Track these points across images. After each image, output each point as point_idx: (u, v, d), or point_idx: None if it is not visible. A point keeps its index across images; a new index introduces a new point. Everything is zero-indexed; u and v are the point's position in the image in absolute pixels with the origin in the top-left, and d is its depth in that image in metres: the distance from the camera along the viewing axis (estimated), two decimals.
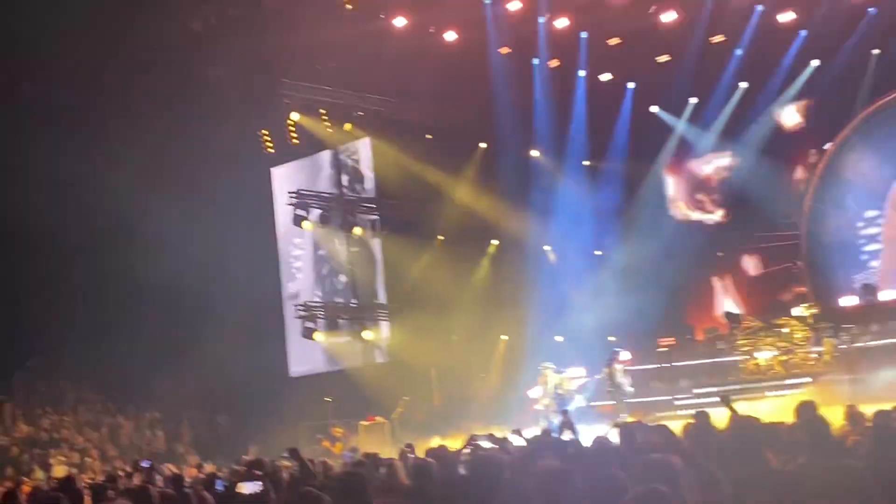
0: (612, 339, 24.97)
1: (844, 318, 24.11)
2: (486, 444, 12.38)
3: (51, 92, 26.78)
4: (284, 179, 30.95)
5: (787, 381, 22.02)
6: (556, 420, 18.57)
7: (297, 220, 28.32)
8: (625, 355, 22.22)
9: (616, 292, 26.30)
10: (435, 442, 15.06)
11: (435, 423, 25.09)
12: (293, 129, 29.03)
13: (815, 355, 22.28)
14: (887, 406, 11.74)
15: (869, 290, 24.46)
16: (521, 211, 28.00)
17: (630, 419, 17.72)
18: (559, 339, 25.31)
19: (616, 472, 6.29)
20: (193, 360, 27.16)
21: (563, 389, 22.23)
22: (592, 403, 22.92)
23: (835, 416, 11.55)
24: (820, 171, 26.23)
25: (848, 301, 24.79)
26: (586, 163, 28.90)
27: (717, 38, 25.54)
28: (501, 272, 27.59)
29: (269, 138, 29.35)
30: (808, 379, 21.72)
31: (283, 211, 29.87)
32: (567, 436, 12.06)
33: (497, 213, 28.17)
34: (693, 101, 27.55)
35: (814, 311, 23.15)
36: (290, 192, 29.35)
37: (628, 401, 21.75)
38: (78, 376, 29.64)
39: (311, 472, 11.37)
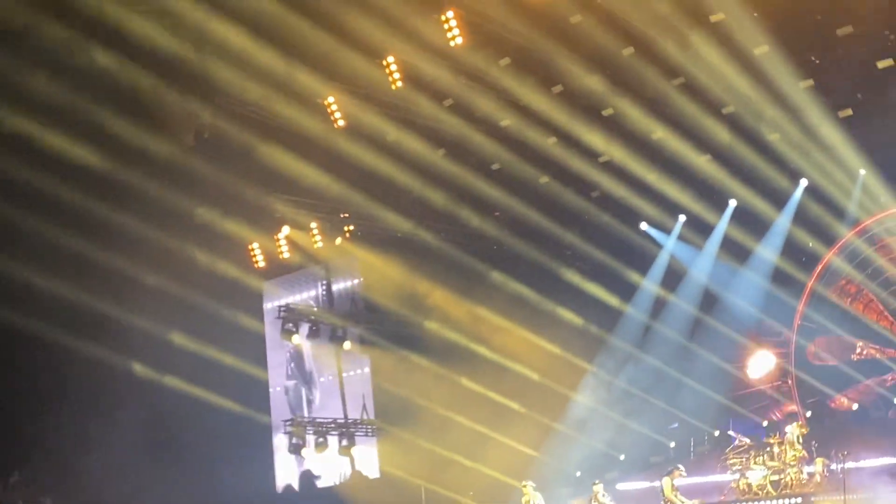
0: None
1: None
2: None
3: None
4: (274, 293, 30.85)
5: (779, 502, 21.62)
6: None
7: (286, 335, 27.99)
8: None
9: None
10: None
11: None
12: (283, 243, 29.03)
13: (807, 476, 22.04)
14: None
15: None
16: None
17: None
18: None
19: None
20: (178, 473, 26.65)
21: None
22: None
23: None
24: (809, 288, 26.71)
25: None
26: None
27: None
28: (498, 389, 27.20)
29: (258, 253, 29.34)
30: (799, 500, 21.37)
31: (272, 324, 29.68)
32: None
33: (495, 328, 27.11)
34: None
35: (804, 430, 23.06)
36: (279, 306, 29.62)
37: None
38: (59, 492, 29.03)
39: None
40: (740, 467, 23.37)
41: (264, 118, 26.00)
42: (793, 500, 21.92)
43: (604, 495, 22.30)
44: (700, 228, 28.07)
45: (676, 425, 27.39)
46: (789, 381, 27.05)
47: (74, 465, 28.78)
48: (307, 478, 30.78)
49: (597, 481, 22.91)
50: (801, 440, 22.91)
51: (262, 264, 30.25)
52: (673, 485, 21.11)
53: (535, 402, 27.61)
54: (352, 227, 29.32)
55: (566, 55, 22.77)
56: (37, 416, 29.03)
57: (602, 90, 23.26)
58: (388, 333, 29.10)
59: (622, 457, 26.49)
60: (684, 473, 21.50)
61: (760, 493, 22.80)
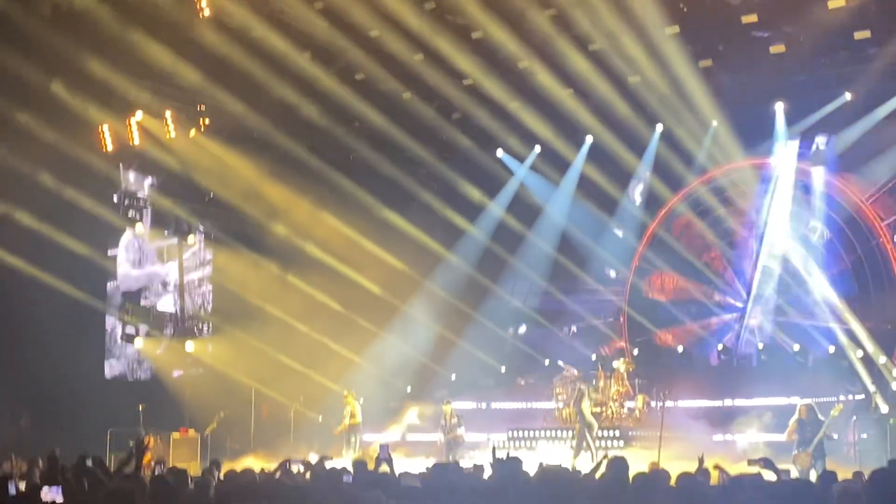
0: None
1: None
2: (297, 469, 12.20)
3: None
4: (122, 180, 29.97)
5: (600, 434, 22.34)
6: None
7: (130, 223, 27.30)
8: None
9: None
10: (249, 462, 14.77)
11: (251, 441, 24.61)
12: (136, 128, 28.13)
13: (627, 410, 22.86)
14: (691, 466, 12.11)
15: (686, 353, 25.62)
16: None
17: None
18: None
19: None
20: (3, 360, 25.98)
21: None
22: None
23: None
24: (650, 232, 27.59)
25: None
26: None
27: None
28: (337, 295, 27.17)
29: (109, 136, 28.35)
30: (618, 433, 22.16)
31: (116, 212, 28.90)
32: (383, 469, 12.05)
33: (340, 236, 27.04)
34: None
35: (631, 366, 23.85)
36: (124, 193, 28.88)
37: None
38: None
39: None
40: (565, 397, 23.93)
41: None
42: (612, 433, 22.54)
43: (453, 416, 23.07)
44: (556, 163, 28.31)
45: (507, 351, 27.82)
46: (621, 319, 27.86)
47: None
48: (138, 368, 30.31)
49: (447, 401, 23.74)
50: (626, 376, 23.62)
51: (110, 148, 29.17)
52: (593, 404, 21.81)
53: (373, 315, 27.70)
54: (207, 121, 28.36)
55: None
56: None
57: (473, 11, 22.90)
58: (234, 232, 28.63)
59: (453, 377, 26.79)
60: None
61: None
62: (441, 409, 22.68)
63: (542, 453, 21.06)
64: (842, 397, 20.92)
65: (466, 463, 15.10)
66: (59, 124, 26.62)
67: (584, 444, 20.48)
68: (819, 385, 21.55)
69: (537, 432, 23.91)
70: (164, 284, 30.33)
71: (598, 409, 23.11)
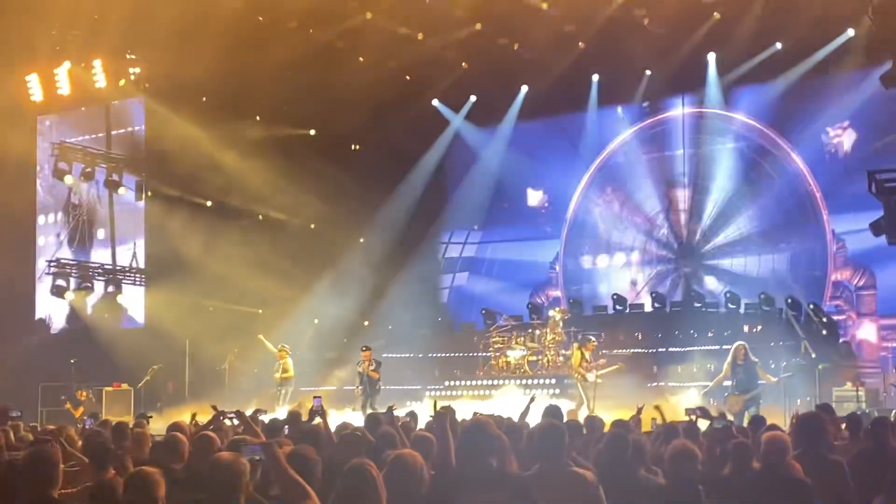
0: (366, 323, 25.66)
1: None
2: (232, 422, 12.03)
3: None
4: (50, 130, 29.39)
5: (534, 381, 22.44)
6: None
7: (59, 174, 26.85)
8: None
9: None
10: (181, 415, 14.58)
11: (184, 395, 24.43)
12: (63, 78, 27.58)
13: (563, 359, 22.98)
14: (625, 414, 12.13)
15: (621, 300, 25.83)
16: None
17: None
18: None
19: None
20: None
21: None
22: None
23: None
24: (586, 181, 27.79)
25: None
26: None
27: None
28: (272, 248, 26.94)
29: (36, 85, 27.76)
30: (553, 380, 22.32)
31: (45, 162, 28.39)
32: (316, 422, 11.89)
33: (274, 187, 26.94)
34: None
35: (566, 315, 23.99)
36: (52, 143, 28.11)
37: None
38: None
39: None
40: (502, 346, 24.01)
41: None
42: (547, 381, 22.63)
43: (372, 363, 22.57)
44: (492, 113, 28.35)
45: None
46: (557, 268, 28.05)
47: None
48: (68, 322, 29.89)
49: (365, 347, 23.15)
50: (561, 324, 23.72)
51: (38, 98, 28.62)
52: (584, 356, 21.18)
53: (309, 268, 27.52)
54: (138, 70, 27.88)
55: None
56: None
57: None
58: (166, 183, 28.07)
59: (390, 327, 26.74)
60: (594, 344, 21.74)
61: (518, 371, 23.48)
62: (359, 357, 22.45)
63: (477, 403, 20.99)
64: (772, 343, 21.09)
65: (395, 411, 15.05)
66: None
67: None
68: (751, 331, 21.75)
69: (474, 381, 23.94)
70: (96, 237, 29.71)
71: (534, 358, 23.12)
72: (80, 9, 25.53)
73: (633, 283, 27.39)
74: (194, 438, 8.92)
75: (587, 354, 20.87)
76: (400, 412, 14.58)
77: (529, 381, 22.87)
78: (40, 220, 30.60)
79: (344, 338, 25.86)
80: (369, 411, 19.81)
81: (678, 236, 26.98)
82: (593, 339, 21.49)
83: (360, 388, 22.00)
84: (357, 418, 16.91)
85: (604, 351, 22.51)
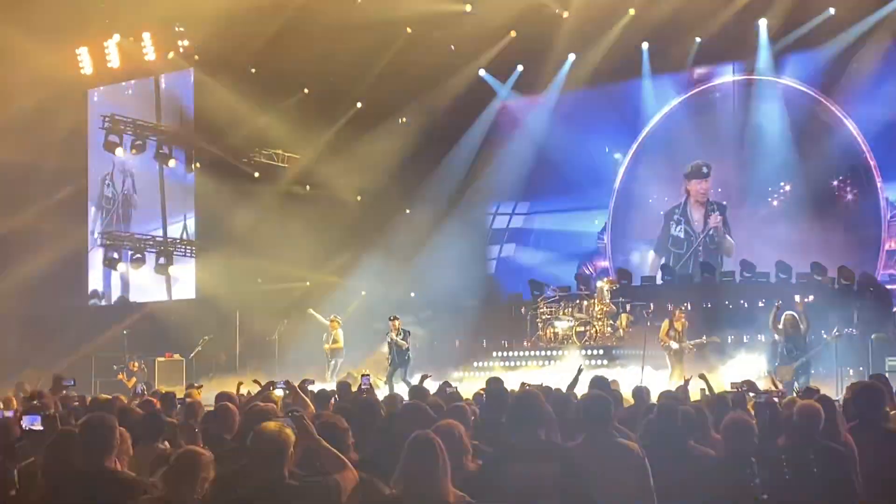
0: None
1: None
2: (281, 392, 12.06)
3: None
4: (101, 102, 29.65)
5: (583, 352, 22.34)
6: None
7: (111, 147, 27.18)
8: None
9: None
10: (232, 385, 14.68)
11: (235, 365, 24.64)
12: (113, 51, 27.80)
13: (611, 330, 22.89)
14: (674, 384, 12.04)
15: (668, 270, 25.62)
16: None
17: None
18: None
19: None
20: None
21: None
22: None
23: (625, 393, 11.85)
24: (634, 150, 27.55)
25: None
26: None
27: None
28: (320, 220, 27.01)
29: (87, 58, 28.00)
30: (601, 351, 22.22)
31: (95, 135, 28.60)
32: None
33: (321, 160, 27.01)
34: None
35: (614, 285, 23.83)
36: (102, 116, 28.14)
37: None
38: None
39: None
40: (549, 317, 23.96)
41: None
42: (595, 351, 22.55)
43: (400, 332, 22.50)
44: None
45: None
46: (605, 239, 27.89)
47: None
48: (121, 292, 30.22)
49: (393, 317, 23.06)
50: (609, 295, 23.58)
51: (88, 71, 28.85)
52: (672, 325, 21.23)
53: (354, 237, 27.61)
54: (186, 43, 27.96)
55: None
56: None
57: None
58: (217, 156, 28.21)
59: (437, 298, 26.61)
60: (683, 318, 21.53)
61: (566, 342, 23.41)
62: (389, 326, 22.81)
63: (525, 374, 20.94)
64: (824, 314, 20.76)
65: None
66: (35, 46, 26.12)
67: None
68: (803, 300, 21.39)
69: (522, 352, 23.92)
70: (146, 209, 29.99)
71: (581, 329, 23.05)
72: None
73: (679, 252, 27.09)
74: (245, 409, 8.95)
75: (676, 324, 20.98)
76: (434, 382, 14.60)
77: (580, 352, 22.75)
78: (91, 190, 30.81)
79: (391, 309, 25.92)
80: (400, 382, 19.78)
81: (723, 206, 26.62)
82: (682, 310, 21.64)
83: (388, 357, 22.13)
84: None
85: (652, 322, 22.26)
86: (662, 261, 27.51)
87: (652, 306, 23.03)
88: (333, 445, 6.13)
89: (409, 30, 26.56)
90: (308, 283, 27.80)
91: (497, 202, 30.45)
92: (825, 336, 19.24)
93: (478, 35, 26.83)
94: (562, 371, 19.02)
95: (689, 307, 22.59)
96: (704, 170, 27.62)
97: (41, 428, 8.87)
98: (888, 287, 22.92)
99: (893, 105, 23.84)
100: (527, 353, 23.99)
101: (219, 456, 6.13)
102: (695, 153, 27.12)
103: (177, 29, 28.19)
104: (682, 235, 28.13)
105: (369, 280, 27.00)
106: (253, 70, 27.53)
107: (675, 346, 20.39)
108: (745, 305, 23.19)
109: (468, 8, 25.46)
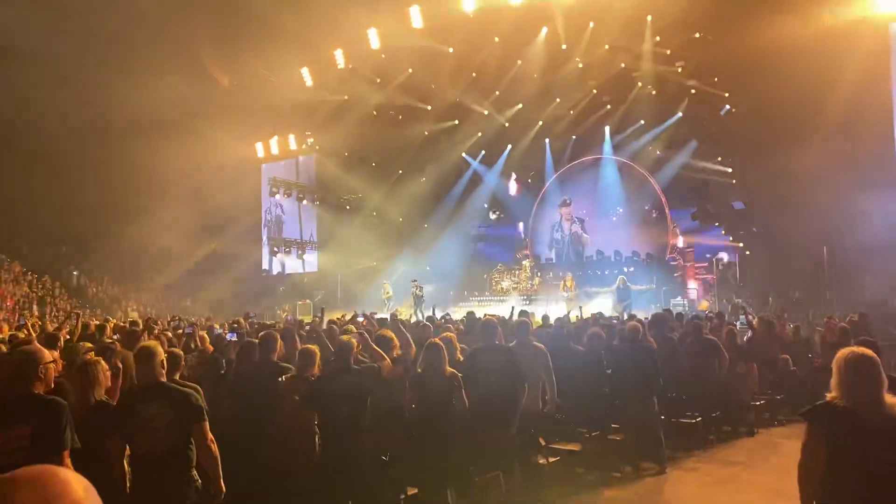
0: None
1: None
2: (360, 319, 12.19)
3: None
4: (267, 170, 29.74)
5: (516, 298, 22.84)
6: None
7: (272, 193, 27.60)
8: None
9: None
10: (336, 315, 14.62)
11: (338, 304, 24.54)
12: (274, 143, 28.17)
13: (530, 285, 22.70)
14: (564, 314, 11.97)
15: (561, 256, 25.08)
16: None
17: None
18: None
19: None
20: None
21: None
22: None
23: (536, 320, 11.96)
24: (539, 196, 26.97)
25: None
26: None
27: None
28: (379, 231, 27.40)
29: (259, 149, 28.43)
30: (526, 298, 21.96)
31: (265, 188, 28.94)
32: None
33: (382, 200, 27.22)
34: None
35: (532, 262, 23.53)
36: (269, 178, 28.98)
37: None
38: None
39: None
40: (498, 279, 25.18)
41: None
42: (523, 298, 22.68)
43: (417, 287, 21.86)
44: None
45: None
46: (527, 239, 26.55)
47: None
48: (280, 268, 30.28)
49: (413, 280, 22.26)
50: (529, 268, 23.40)
51: (261, 155, 29.17)
52: (565, 284, 20.38)
53: (397, 240, 27.76)
54: (312, 140, 27.99)
55: None
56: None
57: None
58: (327, 198, 28.47)
59: (428, 268, 26.52)
60: (570, 279, 20.49)
61: (508, 292, 23.61)
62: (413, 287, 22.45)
63: (486, 308, 20.70)
64: (640, 280, 20.62)
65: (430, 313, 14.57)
66: (230, 143, 26.14)
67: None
68: (628, 271, 21.07)
69: (486, 298, 23.92)
70: (291, 226, 30.41)
71: (515, 285, 23.29)
72: (283, 103, 25.67)
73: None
74: (339, 329, 8.81)
75: (568, 283, 21.25)
76: (439, 313, 14.46)
77: (515, 298, 23.17)
78: (263, 217, 31.03)
79: (415, 275, 25.64)
80: (418, 316, 19.35)
81: (582, 220, 26.52)
82: (571, 275, 21.51)
83: (414, 301, 22.17)
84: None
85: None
86: (553, 250, 27.30)
87: (551, 273, 22.85)
88: (381, 348, 6.19)
89: (426, 132, 26.66)
90: (374, 264, 27.72)
91: (473, 221, 30.07)
92: (640, 287, 19.15)
93: (459, 131, 26.45)
94: (505, 307, 19.05)
95: (571, 275, 22.82)
96: (567, 201, 27.35)
97: (235, 339, 8.87)
98: (672, 263, 22.75)
99: (672, 171, 23.74)
100: (487, 298, 23.95)
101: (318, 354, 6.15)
102: (567, 192, 26.92)
103: (306, 133, 28.14)
104: (559, 237, 27.87)
105: (405, 262, 27.06)
106: (346, 154, 27.52)
107: (566, 294, 21.11)
108: (598, 273, 23.57)
109: (486, 112, 24.95)
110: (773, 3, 16.05)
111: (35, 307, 22.08)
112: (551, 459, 6.66)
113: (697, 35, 19.12)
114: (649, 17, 19.61)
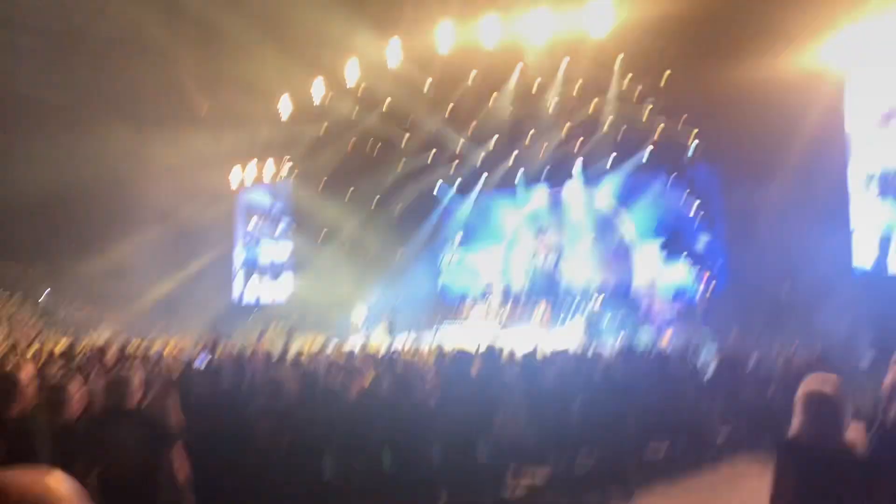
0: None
1: None
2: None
3: None
4: (242, 198, 29.56)
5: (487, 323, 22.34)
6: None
7: (248, 223, 27.62)
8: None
9: None
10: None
11: (320, 325, 23.43)
12: (250, 170, 28.09)
13: (502, 312, 22.54)
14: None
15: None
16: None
17: None
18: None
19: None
20: None
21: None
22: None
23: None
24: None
25: None
26: None
27: None
28: (353, 263, 26.07)
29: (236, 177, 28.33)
30: (497, 324, 22.14)
31: (242, 215, 28.51)
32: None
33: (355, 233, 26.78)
34: None
35: (504, 290, 23.20)
36: (245, 206, 29.13)
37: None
38: None
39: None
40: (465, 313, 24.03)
41: None
42: (492, 324, 22.50)
43: (392, 314, 21.83)
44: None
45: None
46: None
47: None
48: (252, 294, 29.83)
49: (389, 306, 22.59)
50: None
51: (235, 185, 29.00)
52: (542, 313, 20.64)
53: (372, 269, 26.10)
54: (290, 165, 28.01)
55: None
56: None
57: None
58: (301, 225, 28.23)
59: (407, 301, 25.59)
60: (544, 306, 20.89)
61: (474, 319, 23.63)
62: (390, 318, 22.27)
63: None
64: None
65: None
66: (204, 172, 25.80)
67: None
68: None
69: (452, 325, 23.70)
70: (267, 251, 29.82)
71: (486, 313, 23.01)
72: (261, 129, 25.48)
73: None
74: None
75: (541, 311, 20.95)
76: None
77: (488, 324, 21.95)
78: (236, 241, 30.62)
79: (388, 304, 24.74)
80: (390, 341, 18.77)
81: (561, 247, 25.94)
82: (545, 301, 21.09)
83: (387, 327, 21.52)
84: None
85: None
86: (527, 278, 26.85)
87: (523, 300, 22.82)
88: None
89: (403, 160, 25.39)
90: (349, 290, 27.05)
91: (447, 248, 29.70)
92: (606, 319, 19.24)
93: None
94: (477, 334, 18.30)
95: (545, 301, 21.98)
96: (542, 230, 25.01)
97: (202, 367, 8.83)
98: (637, 297, 23.18)
99: (642, 204, 24.04)
100: (460, 322, 22.68)
101: None
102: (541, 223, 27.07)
103: (285, 157, 28.04)
104: (532, 266, 24.92)
105: (379, 288, 26.47)
106: (323, 180, 27.80)
107: (537, 322, 20.73)
108: (569, 302, 21.98)
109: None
110: (739, 47, 16.13)
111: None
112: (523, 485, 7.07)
113: (668, 72, 19.26)
114: (620, 56, 19.84)
